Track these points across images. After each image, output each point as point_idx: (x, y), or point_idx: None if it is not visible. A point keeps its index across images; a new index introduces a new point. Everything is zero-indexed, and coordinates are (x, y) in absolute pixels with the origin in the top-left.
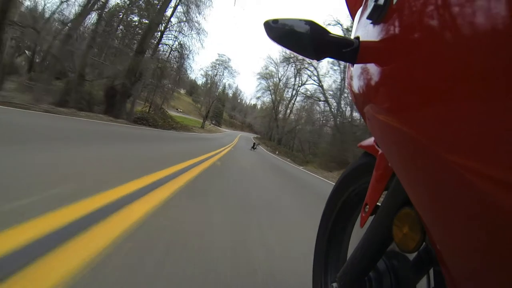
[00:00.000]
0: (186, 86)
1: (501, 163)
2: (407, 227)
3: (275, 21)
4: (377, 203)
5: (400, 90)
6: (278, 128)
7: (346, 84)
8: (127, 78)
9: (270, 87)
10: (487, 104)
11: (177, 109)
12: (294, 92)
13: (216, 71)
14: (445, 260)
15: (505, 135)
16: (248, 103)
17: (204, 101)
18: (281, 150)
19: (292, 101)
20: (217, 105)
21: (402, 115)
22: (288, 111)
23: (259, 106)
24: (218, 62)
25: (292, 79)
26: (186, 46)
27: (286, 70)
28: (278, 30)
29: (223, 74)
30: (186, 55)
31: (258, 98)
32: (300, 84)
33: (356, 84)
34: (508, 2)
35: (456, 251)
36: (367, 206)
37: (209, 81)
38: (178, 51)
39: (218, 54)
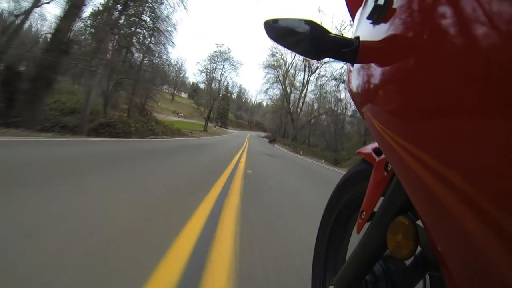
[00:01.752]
0: (187, 89)
1: (503, 165)
2: (401, 235)
3: (275, 21)
4: (374, 210)
5: (400, 90)
6: (293, 123)
7: (345, 84)
8: (47, 52)
9: (279, 77)
10: (489, 105)
11: (177, 113)
12: (307, 78)
13: (215, 64)
14: (446, 262)
15: (505, 137)
16: (254, 102)
17: (206, 101)
18: (303, 149)
19: (304, 92)
20: (221, 106)
21: (401, 115)
22: (301, 103)
23: (265, 103)
24: (216, 53)
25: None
26: (162, 17)
27: (294, 57)
28: (278, 30)
29: (223, 67)
30: (164, 30)
31: (266, 91)
32: (310, 73)
33: (356, 84)
34: (509, 2)
35: (457, 253)
36: (364, 213)
37: (208, 77)
38: (154, 27)
39: (216, 44)
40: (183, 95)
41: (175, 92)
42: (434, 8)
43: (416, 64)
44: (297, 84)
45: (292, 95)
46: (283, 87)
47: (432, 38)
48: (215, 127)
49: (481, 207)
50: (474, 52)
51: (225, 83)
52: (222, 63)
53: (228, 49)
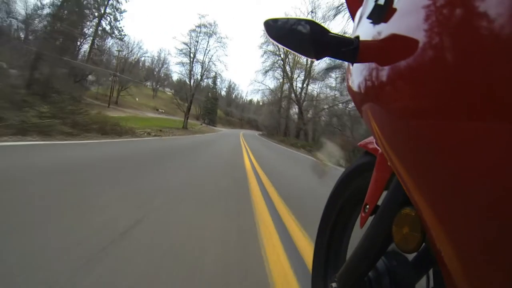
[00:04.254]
0: (173, 86)
1: (501, 163)
2: (407, 227)
3: (275, 20)
4: (377, 204)
5: (399, 89)
6: (302, 115)
7: (345, 83)
8: None
9: (280, 55)
10: (488, 104)
11: (157, 109)
12: (310, 62)
13: (197, 43)
14: (444, 260)
15: (505, 136)
16: (244, 98)
17: (186, 87)
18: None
19: (306, 82)
20: (208, 99)
21: (400, 114)
22: (303, 93)
23: (256, 100)
24: (198, 28)
25: None
26: None
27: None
28: (278, 30)
29: (208, 43)
30: None
31: (265, 73)
32: None
33: (355, 83)
34: (508, 2)
35: (455, 251)
36: (367, 206)
37: (189, 57)
38: None
39: (199, 14)
40: (169, 91)
41: (158, 87)
42: (434, 8)
43: (416, 64)
44: (303, 61)
45: (299, 71)
46: (288, 66)
47: (432, 38)
48: (201, 124)
49: (478, 207)
50: (474, 53)
51: (212, 66)
52: (207, 39)
53: (214, 22)
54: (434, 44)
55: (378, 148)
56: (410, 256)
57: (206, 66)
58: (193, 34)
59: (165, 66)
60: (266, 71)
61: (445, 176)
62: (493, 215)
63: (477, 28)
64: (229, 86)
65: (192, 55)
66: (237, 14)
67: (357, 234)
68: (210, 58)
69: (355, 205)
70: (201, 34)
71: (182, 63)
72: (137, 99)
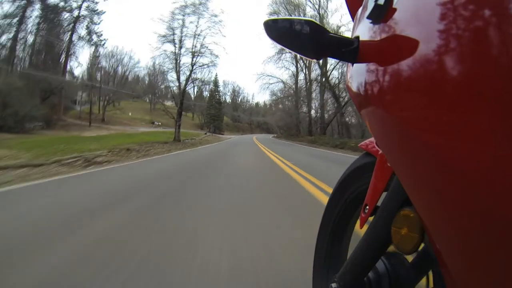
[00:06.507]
0: (175, 98)
1: (501, 163)
2: (406, 228)
3: (275, 20)
4: (377, 204)
5: (400, 90)
6: (338, 102)
7: (345, 84)
8: None
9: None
10: (488, 105)
11: (153, 122)
12: None
13: (186, 28)
14: (445, 260)
15: (505, 136)
16: (251, 102)
17: (171, 83)
18: None
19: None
20: (211, 105)
21: (401, 115)
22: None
23: (262, 102)
24: (184, 6)
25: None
26: None
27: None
28: (278, 30)
29: (198, 24)
30: None
31: (279, 53)
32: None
33: (356, 84)
34: (508, 2)
35: (455, 252)
36: (367, 207)
37: (175, 46)
38: None
39: None
40: (169, 103)
41: (156, 100)
42: (434, 8)
43: (416, 64)
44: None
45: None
46: None
47: (432, 38)
48: (205, 134)
49: (480, 207)
50: (475, 53)
51: (206, 52)
52: (196, 20)
53: None
54: (434, 44)
55: (379, 149)
56: (410, 257)
57: (198, 52)
58: (178, 17)
59: (161, 74)
60: (280, 50)
61: (445, 176)
62: (493, 215)
63: (478, 28)
64: (234, 90)
65: (178, 41)
66: (240, 12)
67: (358, 235)
68: (202, 42)
69: (355, 206)
70: (188, 8)
71: (166, 53)
72: (130, 113)
